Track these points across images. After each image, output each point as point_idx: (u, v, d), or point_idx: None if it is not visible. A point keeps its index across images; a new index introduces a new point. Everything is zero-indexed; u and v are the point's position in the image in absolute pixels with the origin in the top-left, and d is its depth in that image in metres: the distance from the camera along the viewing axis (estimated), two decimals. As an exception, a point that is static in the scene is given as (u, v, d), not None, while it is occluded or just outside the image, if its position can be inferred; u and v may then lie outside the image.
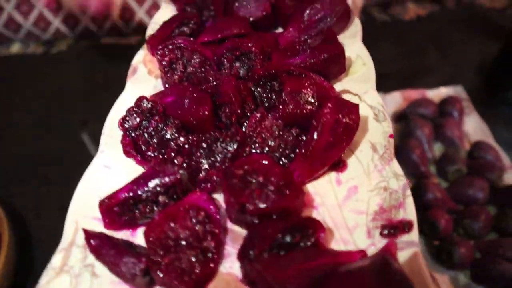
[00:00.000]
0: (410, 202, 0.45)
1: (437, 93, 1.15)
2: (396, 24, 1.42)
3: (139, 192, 0.43)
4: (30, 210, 1.00)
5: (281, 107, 0.49)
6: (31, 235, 0.95)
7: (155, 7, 1.42)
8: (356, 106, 0.48)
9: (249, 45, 0.56)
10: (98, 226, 0.45)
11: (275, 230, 0.40)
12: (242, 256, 0.41)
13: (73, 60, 1.38)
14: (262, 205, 0.41)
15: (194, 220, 0.42)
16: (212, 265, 0.42)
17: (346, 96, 0.56)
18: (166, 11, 0.71)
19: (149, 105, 0.49)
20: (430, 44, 1.34)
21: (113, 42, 1.45)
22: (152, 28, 0.67)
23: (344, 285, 0.34)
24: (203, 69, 0.58)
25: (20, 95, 1.29)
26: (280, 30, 0.69)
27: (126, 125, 0.49)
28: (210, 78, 0.55)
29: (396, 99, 1.12)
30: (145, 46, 0.64)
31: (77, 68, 1.36)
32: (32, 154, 1.10)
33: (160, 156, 0.48)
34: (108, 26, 1.45)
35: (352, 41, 0.63)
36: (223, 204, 0.46)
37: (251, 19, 0.65)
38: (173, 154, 0.48)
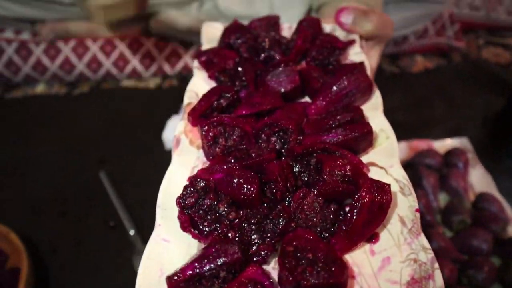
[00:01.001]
0: (438, 274, 0.51)
1: (443, 144, 1.21)
2: (404, 75, 1.50)
3: (205, 269, 0.48)
4: (47, 245, 1.04)
5: (321, 186, 0.56)
6: (47, 270, 1.00)
7: (174, 54, 1.49)
8: (388, 186, 0.55)
9: (287, 123, 0.62)
10: (162, 298, 0.50)
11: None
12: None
13: (94, 101, 1.45)
14: (315, 282, 0.47)
15: (252, 294, 0.48)
16: (269, 336, 0.47)
17: (372, 169, 0.62)
18: (199, 79, 0.77)
19: (203, 184, 0.55)
20: (437, 96, 1.42)
21: (132, 85, 1.51)
22: (188, 96, 0.73)
23: None
24: (242, 142, 0.64)
25: (43, 132, 1.36)
26: (307, 99, 0.75)
27: (183, 203, 0.54)
28: (252, 154, 0.61)
29: (403, 149, 1.19)
30: (185, 116, 0.69)
31: (97, 108, 1.42)
32: (51, 190, 1.16)
33: (215, 232, 0.54)
34: (129, 70, 1.52)
35: (374, 114, 0.69)
36: (273, 274, 0.52)
37: (282, 90, 0.71)
38: (225, 229, 0.54)
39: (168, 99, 1.40)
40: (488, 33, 1.64)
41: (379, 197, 0.53)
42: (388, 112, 0.69)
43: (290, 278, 0.48)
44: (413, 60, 1.52)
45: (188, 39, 1.58)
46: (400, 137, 1.26)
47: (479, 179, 1.13)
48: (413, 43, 1.53)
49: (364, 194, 0.53)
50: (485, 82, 1.44)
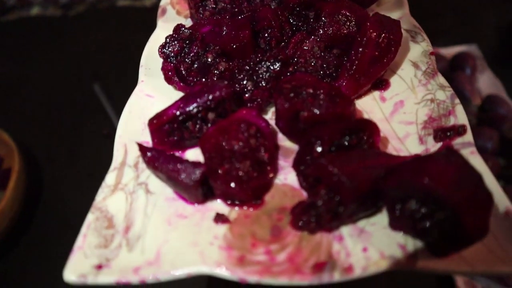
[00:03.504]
0: (460, 109, 0.44)
1: (450, 51, 1.14)
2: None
3: (190, 107, 0.43)
4: (43, 152, 1.05)
5: (321, 29, 0.49)
6: (42, 174, 1.00)
7: None
8: (397, 22, 0.48)
9: (281, -25, 0.55)
10: (146, 149, 0.44)
11: (332, 132, 0.39)
12: (298, 163, 0.41)
13: (90, 22, 1.43)
14: (317, 111, 0.41)
15: (246, 134, 0.42)
16: (269, 175, 0.41)
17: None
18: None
19: (188, 32, 0.49)
20: (447, 7, 1.34)
21: (128, 5, 1.48)
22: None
23: (411, 171, 0.34)
24: (233, 5, 0.57)
25: (39, 53, 1.33)
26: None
27: (166, 52, 0.48)
28: (244, 10, 0.55)
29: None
30: (171, -11, 0.63)
31: (93, 28, 1.41)
32: (47, 103, 1.17)
33: (203, 80, 0.48)
34: None
35: (380, -26, 0.62)
36: (271, 122, 0.46)
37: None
38: (215, 78, 0.48)
39: None
40: None
41: (387, 32, 0.47)
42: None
43: (287, 106, 0.41)
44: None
45: None
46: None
47: (487, 84, 1.05)
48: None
49: (369, 27, 0.46)
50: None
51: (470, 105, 1.03)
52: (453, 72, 1.08)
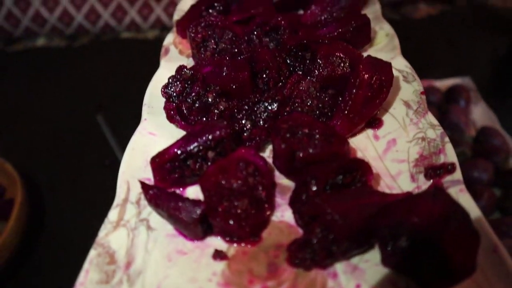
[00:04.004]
0: (449, 147, 0.46)
1: (445, 83, 1.17)
2: (407, 22, 1.45)
3: (191, 147, 0.44)
4: (45, 182, 1.06)
5: (316, 70, 0.51)
6: (45, 204, 1.01)
7: (172, 5, 1.49)
8: (389, 64, 0.50)
9: (279, 19, 0.58)
10: (148, 186, 0.46)
11: (327, 172, 0.41)
12: (294, 201, 0.42)
13: (94, 53, 1.47)
14: (312, 151, 0.43)
15: (244, 173, 0.44)
16: (266, 213, 0.43)
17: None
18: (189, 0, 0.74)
19: (190, 73, 0.51)
20: (441, 40, 1.37)
21: (131, 37, 1.52)
22: (178, 14, 0.70)
23: (401, 210, 0.36)
24: (233, 46, 0.60)
25: (44, 83, 1.37)
26: (301, 12, 0.71)
27: (169, 92, 0.50)
28: (243, 51, 0.57)
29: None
30: (174, 29, 0.66)
31: (97, 60, 1.44)
32: (50, 133, 1.19)
33: (204, 120, 0.50)
34: (127, 21, 1.52)
35: (373, 16, 0.65)
36: (268, 160, 0.48)
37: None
38: (215, 118, 0.50)
39: None
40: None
41: (379, 74, 0.49)
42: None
43: (284, 147, 0.43)
44: (416, 7, 1.46)
45: None
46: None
47: (481, 115, 1.08)
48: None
49: (362, 70, 0.49)
50: (490, 26, 1.38)
51: (465, 136, 1.06)
52: (448, 104, 1.11)
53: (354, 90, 0.48)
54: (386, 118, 0.52)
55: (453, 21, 1.45)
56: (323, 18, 0.64)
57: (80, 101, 1.30)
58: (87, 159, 1.14)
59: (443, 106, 1.10)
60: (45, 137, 1.19)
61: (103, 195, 1.03)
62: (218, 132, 0.45)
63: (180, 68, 0.52)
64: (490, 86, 1.21)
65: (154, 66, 1.35)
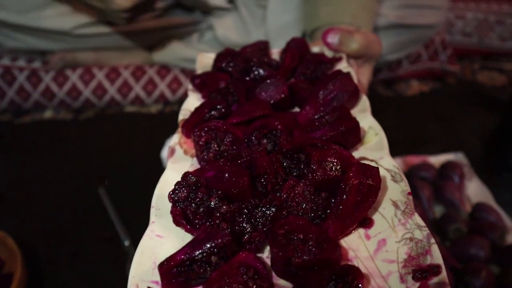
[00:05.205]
0: (435, 248, 0.50)
1: (438, 159, 1.22)
2: (400, 98, 1.54)
3: (196, 253, 0.49)
4: (44, 255, 1.09)
5: (310, 175, 0.56)
6: (43, 279, 1.04)
7: (175, 81, 1.57)
8: (376, 169, 0.55)
9: (276, 123, 0.64)
10: (156, 289, 0.50)
11: (321, 279, 0.45)
12: (292, 305, 0.46)
13: (98, 126, 1.54)
14: (306, 258, 0.47)
15: (245, 277, 0.47)
16: (265, 316, 0.46)
17: (364, 162, 0.63)
18: (193, 99, 0.80)
19: (194, 179, 0.56)
20: (432, 116, 1.45)
21: (135, 111, 1.59)
22: (183, 114, 0.76)
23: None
24: (234, 147, 0.66)
25: (49, 154, 1.44)
26: (296, 109, 0.77)
27: (175, 197, 0.55)
28: (243, 154, 0.63)
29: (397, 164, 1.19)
30: (179, 130, 0.72)
31: (101, 132, 1.51)
32: (51, 205, 1.23)
33: (207, 224, 0.54)
34: (132, 96, 1.60)
35: (363, 115, 0.71)
36: (266, 261, 0.51)
37: (271, 101, 0.74)
38: (218, 221, 0.54)
39: (169, 123, 1.44)
40: (482, 58, 1.67)
41: (367, 179, 0.54)
42: (384, 131, 0.70)
43: (280, 254, 0.47)
44: (409, 85, 1.55)
45: (189, 67, 1.65)
46: (394, 154, 1.28)
47: (475, 191, 1.11)
48: (407, 68, 1.57)
49: (351, 176, 0.53)
50: (480, 103, 1.46)
51: (460, 213, 1.09)
52: (442, 180, 1.15)
53: (345, 196, 0.53)
54: (376, 217, 0.56)
55: (444, 97, 1.53)
56: (316, 117, 0.70)
57: (82, 173, 1.36)
58: (88, 232, 1.17)
59: (437, 182, 1.14)
60: (46, 209, 1.23)
61: (102, 269, 1.07)
62: (220, 240, 0.49)
63: (186, 175, 0.56)
64: (482, 161, 1.26)
65: (156, 139, 1.42)
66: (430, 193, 1.06)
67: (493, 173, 1.22)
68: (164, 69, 1.66)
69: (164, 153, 1.31)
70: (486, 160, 1.26)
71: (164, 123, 1.54)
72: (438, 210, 1.08)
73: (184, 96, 1.68)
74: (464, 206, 1.09)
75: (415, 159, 1.20)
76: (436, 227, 1.02)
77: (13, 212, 1.24)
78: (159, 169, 1.29)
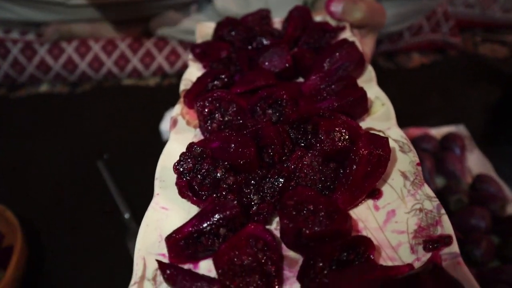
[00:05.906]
0: (446, 219, 0.49)
1: (439, 131, 1.21)
2: (401, 71, 1.52)
3: (203, 225, 0.48)
4: (44, 228, 1.09)
5: (318, 145, 0.55)
6: (43, 252, 1.04)
7: (173, 53, 1.54)
8: (386, 139, 0.54)
9: (281, 93, 0.62)
10: (163, 261, 0.49)
11: (332, 249, 0.44)
12: (303, 276, 0.45)
13: (96, 99, 1.52)
14: (317, 229, 0.46)
15: (254, 249, 0.46)
16: (275, 287, 0.45)
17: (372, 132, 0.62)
18: (194, 69, 0.78)
19: (200, 150, 0.55)
20: (434, 89, 1.43)
21: (133, 84, 1.56)
22: (184, 84, 0.74)
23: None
24: (238, 117, 0.64)
25: (46, 129, 1.43)
26: (300, 79, 0.75)
27: (180, 169, 0.54)
28: (248, 125, 0.61)
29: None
30: (181, 100, 0.70)
31: (98, 106, 1.49)
32: (51, 180, 1.23)
33: (214, 195, 0.53)
34: (129, 69, 1.57)
35: (369, 85, 0.69)
36: (275, 233, 0.51)
37: (275, 70, 0.72)
38: (224, 192, 0.53)
39: (168, 96, 1.43)
40: (484, 31, 1.65)
41: (377, 150, 0.53)
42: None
43: (291, 225, 0.47)
44: (410, 57, 1.53)
45: (187, 39, 1.62)
46: (395, 126, 1.29)
47: (476, 163, 1.12)
48: (408, 40, 1.55)
49: (361, 146, 0.52)
50: (482, 75, 1.45)
51: (461, 184, 1.09)
52: (444, 152, 1.14)
53: (354, 166, 0.52)
54: (385, 188, 0.55)
55: (445, 70, 1.51)
56: (322, 87, 0.69)
57: (80, 147, 1.35)
58: (87, 206, 1.16)
59: (438, 154, 1.14)
60: (45, 183, 1.22)
61: (103, 242, 1.06)
62: (228, 212, 0.48)
63: (191, 146, 0.55)
64: (483, 133, 1.26)
65: (154, 112, 1.40)
66: (431, 164, 1.06)
67: (494, 145, 1.22)
68: (161, 41, 1.62)
69: (163, 125, 1.29)
70: (487, 132, 1.26)
71: (163, 96, 1.52)
72: (439, 182, 1.08)
73: (183, 68, 1.65)
74: (465, 177, 1.09)
75: (416, 131, 1.20)
76: (438, 198, 1.02)
77: (12, 185, 1.23)
78: (158, 142, 1.28)
